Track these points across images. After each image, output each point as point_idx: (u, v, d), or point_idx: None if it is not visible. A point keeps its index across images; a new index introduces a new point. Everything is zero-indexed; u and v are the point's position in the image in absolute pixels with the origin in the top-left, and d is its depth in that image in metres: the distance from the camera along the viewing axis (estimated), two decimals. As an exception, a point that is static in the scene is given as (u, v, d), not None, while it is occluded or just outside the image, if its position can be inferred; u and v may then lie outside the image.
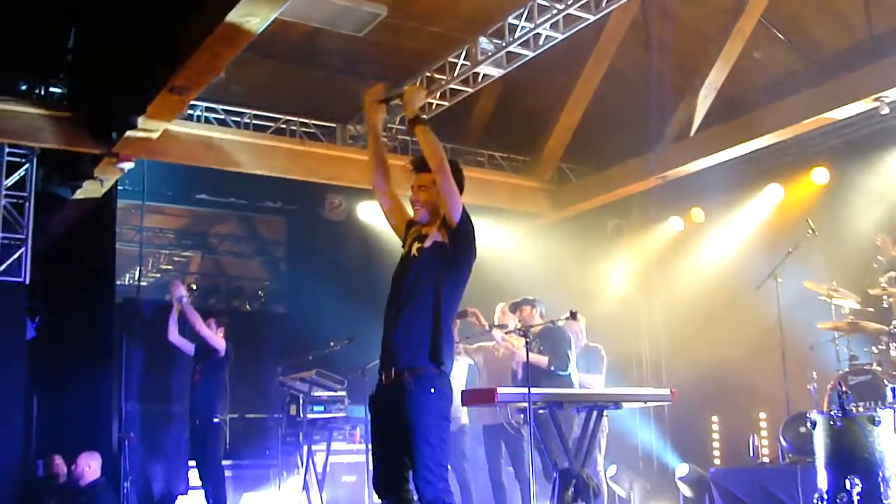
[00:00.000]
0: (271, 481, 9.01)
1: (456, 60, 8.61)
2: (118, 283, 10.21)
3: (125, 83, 7.42)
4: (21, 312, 8.07)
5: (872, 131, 8.47)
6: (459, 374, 7.73)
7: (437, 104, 9.00)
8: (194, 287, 8.68)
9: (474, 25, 8.47)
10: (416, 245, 4.26)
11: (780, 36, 8.84)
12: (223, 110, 8.98)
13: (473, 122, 10.66)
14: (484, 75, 8.65)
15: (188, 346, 8.31)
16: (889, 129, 8.32)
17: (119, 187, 9.03)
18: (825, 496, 5.29)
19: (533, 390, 5.72)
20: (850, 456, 5.24)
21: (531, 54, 8.22)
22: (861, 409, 5.37)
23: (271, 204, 11.37)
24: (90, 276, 9.08)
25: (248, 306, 13.59)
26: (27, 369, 7.96)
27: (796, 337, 7.83)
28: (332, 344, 8.59)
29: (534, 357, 6.95)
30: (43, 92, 7.98)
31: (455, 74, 8.64)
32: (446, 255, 4.16)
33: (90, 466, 7.83)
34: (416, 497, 3.99)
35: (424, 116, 4.28)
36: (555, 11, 7.72)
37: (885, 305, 7.47)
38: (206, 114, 8.85)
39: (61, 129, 7.78)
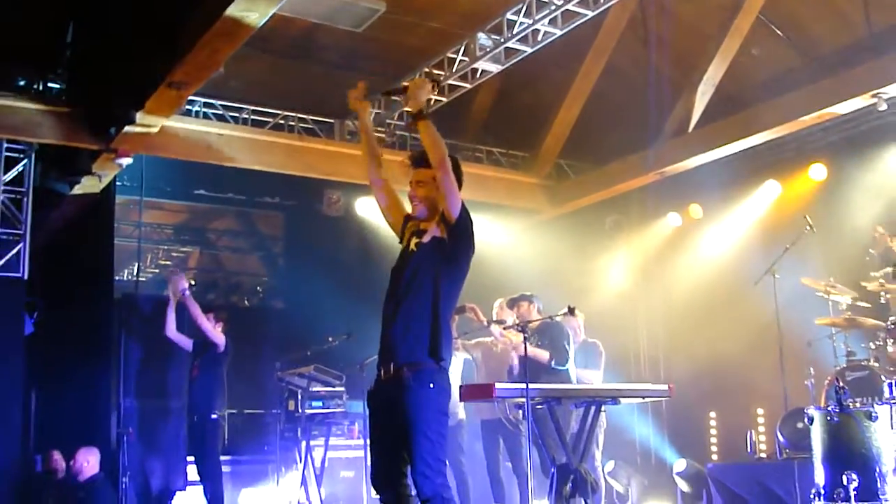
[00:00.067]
0: (269, 476, 9.03)
1: (454, 56, 8.60)
2: (116, 278, 10.20)
3: (123, 78, 7.41)
4: (19, 308, 8.07)
5: (870, 128, 8.48)
6: (455, 370, 7.73)
7: (436, 100, 8.99)
8: (193, 283, 8.68)
9: (473, 21, 8.47)
10: (414, 240, 4.26)
11: (778, 32, 8.83)
12: (221, 106, 8.97)
13: (472, 118, 10.66)
14: (482, 71, 8.66)
15: (186, 342, 8.31)
16: (887, 126, 8.33)
17: (117, 183, 9.02)
18: (822, 491, 5.31)
19: (531, 386, 5.72)
20: (847, 451, 5.26)
21: (530, 50, 8.22)
22: (858, 404, 5.38)
23: (269, 199, 11.37)
24: (88, 271, 9.08)
25: (246, 302, 13.60)
26: (25, 365, 7.96)
27: (794, 333, 7.85)
28: (330, 339, 8.60)
29: (536, 351, 6.97)
30: (41, 87, 7.97)
31: (453, 70, 8.64)
32: (445, 251, 4.17)
33: (89, 462, 7.84)
34: (414, 492, 4.00)
35: (428, 111, 4.28)
36: (553, 7, 7.72)
37: (883, 301, 7.49)
38: (204, 109, 8.85)
39: (60, 124, 7.76)
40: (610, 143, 9.94)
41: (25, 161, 8.09)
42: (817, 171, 8.91)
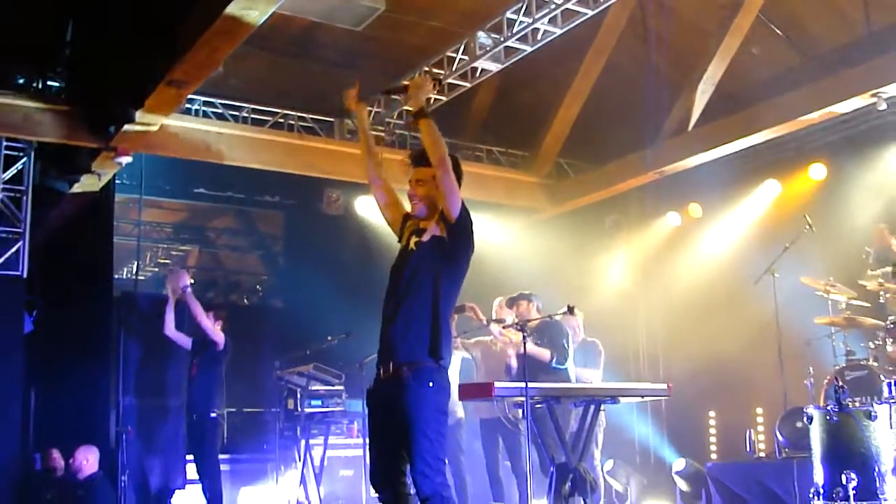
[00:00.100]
0: (269, 475, 9.03)
1: (454, 55, 8.60)
2: (116, 277, 10.19)
3: (123, 77, 7.40)
4: (18, 306, 8.07)
5: (870, 127, 8.47)
6: (453, 368, 7.73)
7: (435, 98, 8.99)
8: (192, 282, 8.67)
9: (472, 20, 8.47)
10: (413, 239, 4.26)
11: (778, 32, 8.84)
12: (221, 104, 8.97)
13: (471, 117, 10.65)
14: (482, 70, 8.65)
15: (185, 340, 8.30)
16: (887, 125, 8.32)
17: (117, 181, 9.01)
18: (821, 491, 5.31)
19: (530, 385, 5.73)
20: (847, 451, 5.26)
21: (529, 49, 8.21)
22: (857, 404, 5.38)
23: (269, 198, 11.36)
24: (88, 270, 9.07)
25: (245, 300, 13.61)
26: (25, 363, 7.95)
27: (793, 332, 7.85)
28: (329, 338, 8.60)
29: (537, 350, 6.97)
30: (41, 85, 7.97)
31: (453, 69, 8.64)
32: (444, 249, 4.17)
33: (88, 460, 7.84)
34: (413, 491, 4.00)
35: (428, 109, 4.28)
36: (553, 6, 7.71)
37: (882, 301, 7.49)
38: (204, 108, 8.84)
39: (59, 122, 7.76)
40: (610, 143, 9.94)
41: (25, 159, 8.08)
42: (817, 171, 8.91)
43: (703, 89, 8.70)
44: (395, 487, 4.04)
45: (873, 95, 7.52)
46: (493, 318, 7.48)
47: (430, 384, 4.02)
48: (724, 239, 9.79)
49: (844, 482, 5.11)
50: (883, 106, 7.60)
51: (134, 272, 10.70)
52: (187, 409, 8.16)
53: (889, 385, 5.46)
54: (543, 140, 10.20)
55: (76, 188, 8.66)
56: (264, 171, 9.14)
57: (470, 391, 6.24)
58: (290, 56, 9.44)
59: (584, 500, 5.93)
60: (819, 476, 5.37)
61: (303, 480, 8.44)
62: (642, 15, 9.18)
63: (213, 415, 7.89)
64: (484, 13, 8.30)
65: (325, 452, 8.60)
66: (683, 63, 9.12)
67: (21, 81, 7.87)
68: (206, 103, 8.84)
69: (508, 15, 8.02)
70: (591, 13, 7.75)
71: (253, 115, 9.16)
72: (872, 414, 5.20)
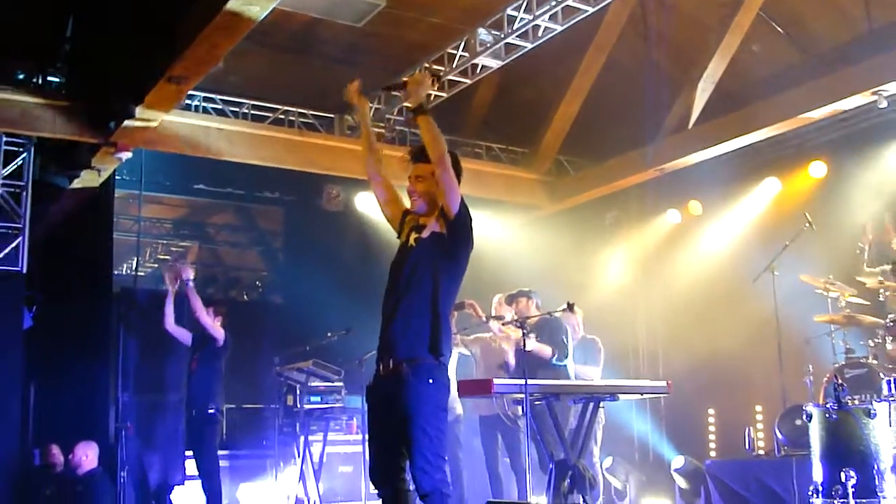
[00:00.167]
0: (268, 471, 9.03)
1: (454, 51, 8.59)
2: (115, 272, 10.20)
3: (123, 72, 7.40)
4: (18, 302, 8.06)
5: (870, 125, 8.46)
6: (450, 365, 7.72)
7: (436, 95, 8.98)
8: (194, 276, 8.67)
9: (473, 16, 8.46)
10: (413, 235, 4.27)
11: (778, 29, 8.83)
12: (221, 100, 8.96)
13: (472, 114, 10.64)
14: (482, 66, 8.65)
15: (185, 336, 8.26)
16: (887, 123, 8.31)
17: (117, 177, 9.01)
18: (820, 488, 5.31)
19: (530, 381, 5.73)
20: (846, 448, 5.26)
21: (530, 46, 8.21)
22: (857, 401, 5.37)
23: (269, 194, 11.36)
24: (87, 265, 9.08)
25: (245, 296, 13.60)
26: (24, 359, 7.95)
27: (792, 330, 7.85)
28: (329, 334, 8.60)
29: (538, 346, 6.97)
30: (41, 81, 7.95)
31: (453, 66, 8.63)
32: (444, 246, 4.17)
33: (87, 456, 7.84)
34: (412, 487, 4.00)
35: (428, 106, 4.27)
36: (553, 3, 7.71)
37: (882, 299, 7.49)
38: (204, 104, 8.84)
39: (59, 118, 7.75)
40: (610, 140, 9.93)
41: (24, 154, 8.07)
42: (817, 169, 8.89)
43: (704, 87, 8.69)
44: (395, 484, 4.05)
45: (874, 93, 7.51)
46: (493, 314, 7.48)
47: (430, 381, 4.03)
48: (724, 236, 9.78)
49: (843, 480, 5.11)
50: (883, 104, 7.59)
51: (134, 268, 10.71)
52: (186, 404, 8.14)
53: (888, 383, 5.46)
54: (543, 137, 10.20)
55: (76, 184, 8.66)
56: (264, 168, 9.15)
57: (469, 388, 6.24)
58: (290, 52, 9.43)
59: (582, 496, 5.94)
60: (818, 474, 5.38)
61: (302, 477, 8.44)
62: (643, 12, 9.16)
63: (211, 410, 7.86)
64: (484, 10, 8.30)
65: (324, 449, 8.61)
66: (684, 60, 9.11)
67: (21, 77, 7.85)
68: (206, 99, 8.84)
69: (509, 11, 8.01)
70: (591, 10, 7.74)
71: (253, 112, 9.16)
72: (872, 412, 5.21)
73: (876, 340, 7.27)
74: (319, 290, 9.62)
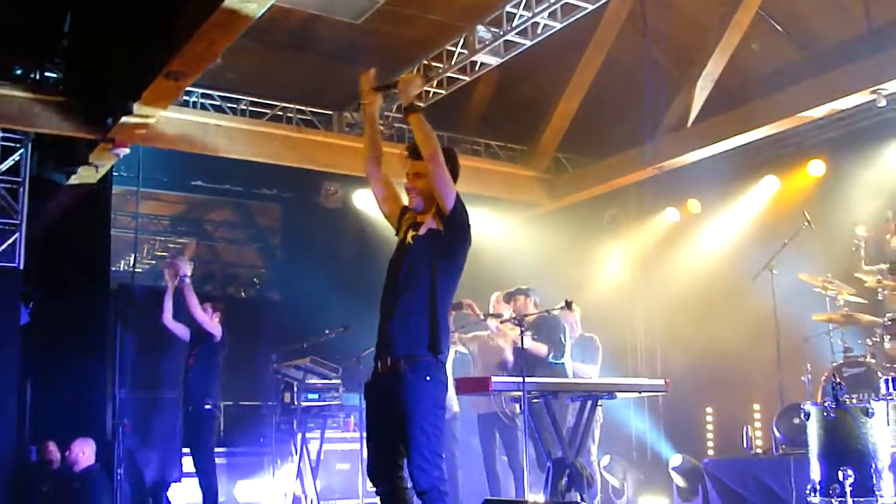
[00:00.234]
0: (265, 469, 9.02)
1: (453, 49, 8.59)
2: (113, 269, 10.18)
3: (121, 69, 7.38)
4: (15, 298, 8.06)
5: (870, 123, 8.47)
6: (448, 363, 7.72)
7: (434, 92, 8.98)
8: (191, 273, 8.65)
9: (472, 13, 8.45)
10: (410, 232, 4.26)
11: (778, 27, 8.82)
12: (219, 97, 8.95)
13: (470, 111, 10.63)
14: (481, 64, 8.64)
15: (183, 331, 8.21)
16: (886, 122, 8.31)
17: (114, 173, 9.00)
18: (818, 487, 5.31)
19: (527, 379, 5.73)
20: (844, 447, 5.26)
21: (529, 43, 8.20)
22: (854, 400, 5.38)
23: (267, 191, 11.35)
24: (85, 262, 9.06)
25: (243, 293, 13.59)
26: (21, 355, 7.95)
27: (791, 328, 7.84)
28: (327, 331, 8.58)
29: (534, 345, 6.96)
30: (38, 76, 7.93)
31: (452, 63, 8.62)
32: (441, 243, 4.16)
33: (84, 452, 7.83)
34: (410, 485, 3.99)
35: (420, 104, 4.28)
36: (553, 0, 7.70)
37: (880, 298, 7.49)
38: (201, 100, 8.82)
39: (56, 114, 7.73)
40: (609, 138, 9.93)
41: (22, 151, 8.06)
42: (816, 167, 8.89)
43: (703, 85, 8.68)
44: (393, 481, 4.04)
45: (873, 92, 7.49)
46: (491, 312, 7.47)
47: (428, 378, 4.02)
48: (723, 235, 9.78)
49: (841, 479, 5.11)
50: (883, 102, 7.58)
51: (131, 264, 10.70)
52: (183, 400, 8.12)
53: (886, 382, 5.46)
54: (542, 134, 10.19)
55: (73, 180, 8.64)
56: (262, 164, 9.13)
57: (467, 386, 6.24)
58: (288, 49, 9.40)
59: (580, 495, 5.93)
60: (816, 472, 5.38)
61: (299, 474, 8.43)
62: (642, 10, 9.15)
63: (207, 406, 7.84)
64: (484, 7, 8.28)
65: (321, 446, 8.59)
66: (683, 58, 9.10)
67: (18, 72, 7.83)
68: (204, 95, 8.82)
69: (508, 9, 8.00)
70: (590, 7, 7.74)
71: (251, 108, 9.14)
72: (870, 411, 5.21)
73: (874, 339, 7.27)
74: (317, 287, 9.61)
